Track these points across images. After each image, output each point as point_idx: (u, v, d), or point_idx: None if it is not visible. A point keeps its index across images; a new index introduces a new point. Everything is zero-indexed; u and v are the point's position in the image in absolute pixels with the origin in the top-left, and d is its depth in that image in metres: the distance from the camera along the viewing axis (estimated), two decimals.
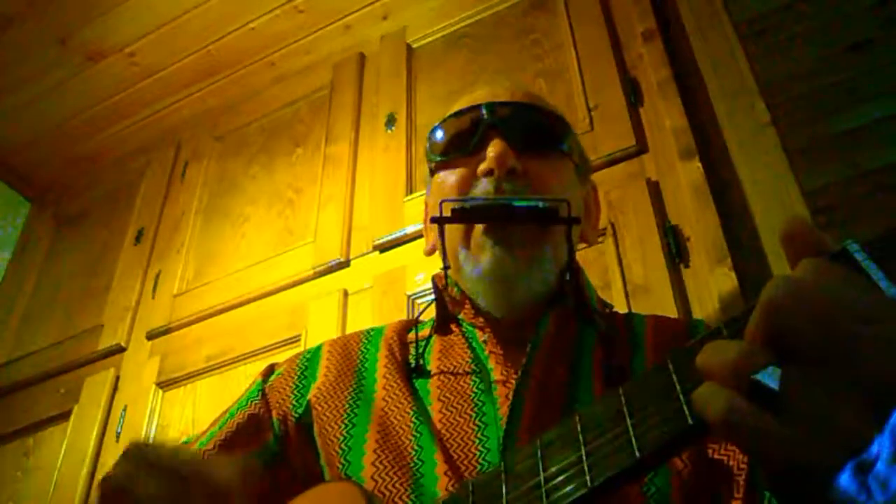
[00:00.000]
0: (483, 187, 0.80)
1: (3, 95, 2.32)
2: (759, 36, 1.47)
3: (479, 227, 0.79)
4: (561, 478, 0.46)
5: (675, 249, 1.31)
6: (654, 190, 1.40)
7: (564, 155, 0.87)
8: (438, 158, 0.87)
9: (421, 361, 0.82)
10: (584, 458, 0.45)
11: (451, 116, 0.88)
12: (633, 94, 1.56)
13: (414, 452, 0.71)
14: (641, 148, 1.48)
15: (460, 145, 0.85)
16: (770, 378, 0.36)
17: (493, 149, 0.79)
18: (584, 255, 1.36)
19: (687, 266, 1.29)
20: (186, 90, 2.35)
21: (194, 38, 2.21)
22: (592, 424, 0.46)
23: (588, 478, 0.44)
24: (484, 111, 0.84)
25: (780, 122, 1.35)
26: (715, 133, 1.43)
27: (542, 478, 0.47)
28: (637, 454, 0.42)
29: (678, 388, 0.42)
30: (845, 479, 0.35)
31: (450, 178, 0.84)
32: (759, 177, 1.32)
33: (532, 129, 0.85)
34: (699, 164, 1.37)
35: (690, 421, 0.40)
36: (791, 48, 1.43)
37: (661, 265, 1.28)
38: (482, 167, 0.81)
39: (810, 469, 0.36)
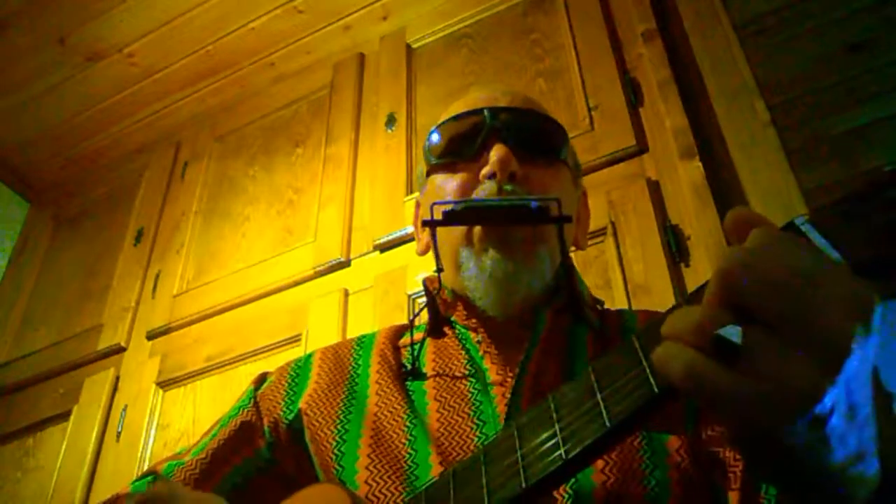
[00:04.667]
0: (486, 190, 0.80)
1: (2, 95, 2.31)
2: (758, 36, 1.48)
3: (478, 229, 0.79)
4: (537, 453, 0.48)
5: (676, 249, 1.31)
6: (655, 190, 1.40)
7: (561, 161, 0.88)
8: (438, 161, 0.87)
9: (416, 364, 0.82)
10: (558, 433, 0.47)
11: (451, 119, 0.88)
12: (633, 94, 1.56)
13: (408, 455, 0.72)
14: (642, 148, 1.48)
15: (461, 149, 0.85)
16: (733, 334, 0.38)
17: (496, 153, 0.80)
18: (584, 254, 1.37)
19: (687, 265, 1.30)
20: (186, 90, 2.34)
21: (194, 38, 2.21)
22: (565, 402, 0.49)
23: (563, 451, 0.46)
24: (486, 115, 0.84)
25: (779, 122, 1.36)
26: (715, 133, 1.43)
27: (519, 455, 0.49)
28: (607, 424, 0.45)
29: (644, 360, 0.45)
30: (801, 431, 0.38)
31: (450, 181, 0.85)
32: (759, 177, 1.32)
33: (533, 136, 0.85)
34: (699, 164, 1.37)
35: (656, 389, 0.43)
36: (791, 48, 1.43)
37: (662, 264, 1.29)
38: (485, 170, 0.81)
39: (769, 424, 0.38)
